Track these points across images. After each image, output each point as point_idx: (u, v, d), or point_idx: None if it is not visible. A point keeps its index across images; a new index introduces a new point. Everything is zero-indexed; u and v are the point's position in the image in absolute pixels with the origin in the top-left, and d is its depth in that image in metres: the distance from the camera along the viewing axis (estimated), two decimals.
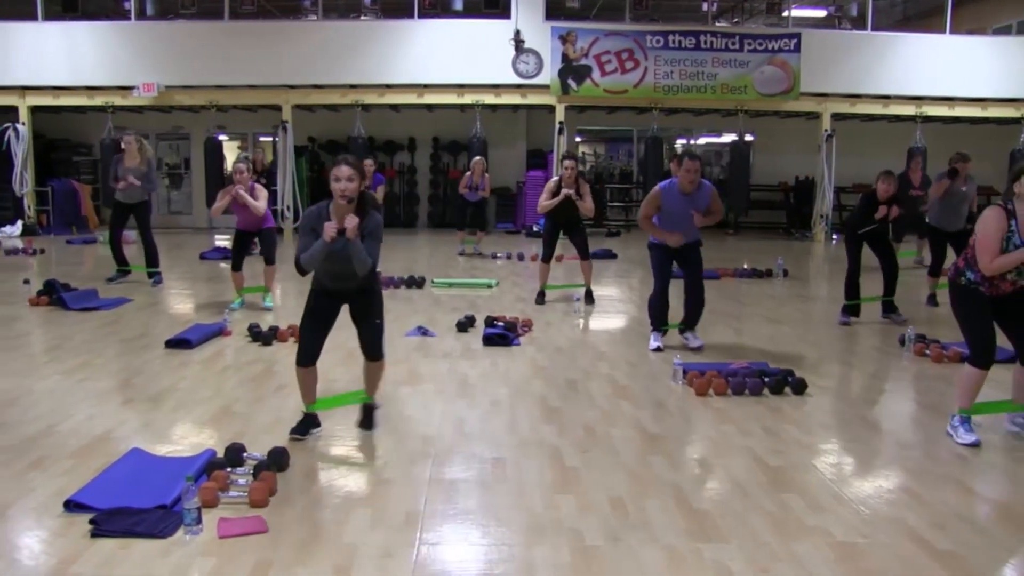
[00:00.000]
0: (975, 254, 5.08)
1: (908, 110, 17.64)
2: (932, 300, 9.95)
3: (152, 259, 10.97)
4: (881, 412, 6.02)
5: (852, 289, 8.93)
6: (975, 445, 5.09)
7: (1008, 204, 5.00)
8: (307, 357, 5.14)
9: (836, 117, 17.89)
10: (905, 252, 13.04)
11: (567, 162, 9.52)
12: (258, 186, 9.01)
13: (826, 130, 17.63)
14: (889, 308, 9.00)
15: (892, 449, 5.13)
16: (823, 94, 17.57)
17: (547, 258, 9.95)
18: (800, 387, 6.26)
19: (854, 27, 19.12)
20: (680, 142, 22.69)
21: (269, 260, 9.39)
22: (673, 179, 7.45)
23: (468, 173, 14.32)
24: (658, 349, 7.53)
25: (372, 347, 5.20)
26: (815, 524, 3.99)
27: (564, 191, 9.36)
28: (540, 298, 9.91)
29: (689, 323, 7.68)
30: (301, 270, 4.98)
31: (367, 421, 5.29)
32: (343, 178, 4.77)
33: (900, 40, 17.84)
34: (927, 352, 7.43)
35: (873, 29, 17.78)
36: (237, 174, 8.86)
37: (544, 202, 9.53)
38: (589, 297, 9.94)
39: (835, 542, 3.80)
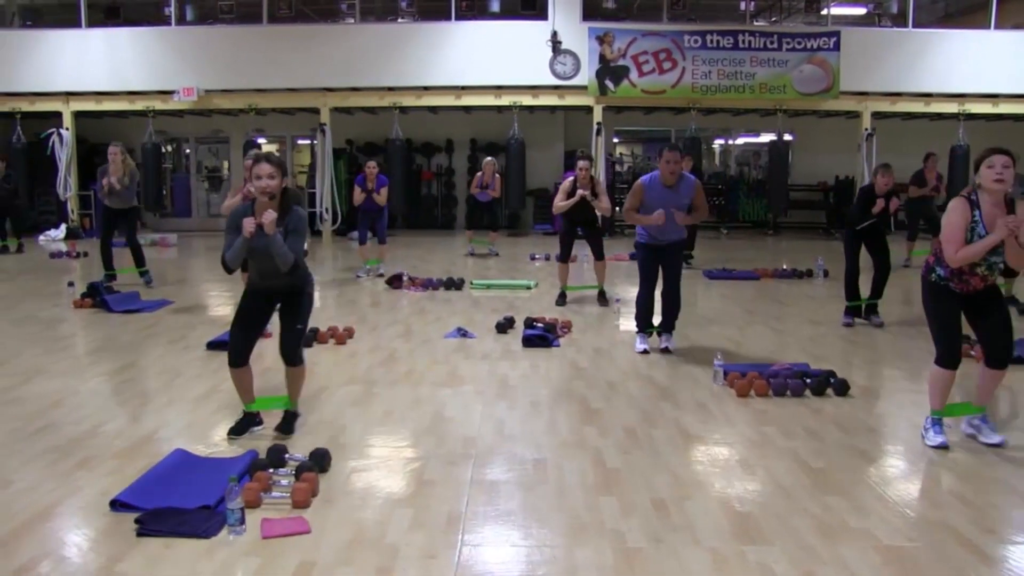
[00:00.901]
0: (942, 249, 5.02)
1: (950, 108, 17.41)
2: None
3: (140, 260, 11.08)
4: (925, 414, 5.92)
5: (852, 289, 8.81)
6: (943, 447, 5.04)
7: (972, 195, 4.95)
8: (236, 357, 5.15)
9: (876, 116, 17.69)
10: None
11: (581, 163, 9.52)
12: None
13: (866, 129, 17.44)
14: (871, 310, 8.83)
15: (938, 451, 5.04)
16: (863, 93, 17.38)
17: (564, 258, 9.98)
18: (842, 388, 6.20)
19: (894, 24, 18.88)
20: (718, 142, 22.59)
21: None
22: (655, 172, 7.36)
23: (479, 173, 14.46)
24: (644, 352, 7.50)
25: (287, 351, 5.20)
26: (860, 527, 3.94)
27: (579, 192, 9.38)
28: (561, 299, 9.92)
29: (664, 326, 7.62)
30: (227, 268, 5.02)
31: (285, 426, 5.24)
32: (264, 175, 4.86)
33: (942, 36, 17.59)
34: (972, 353, 7.29)
35: (914, 26, 17.56)
36: (247, 172, 8.91)
37: (559, 203, 9.56)
38: (602, 298, 9.93)
39: (881, 545, 3.75)
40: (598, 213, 9.72)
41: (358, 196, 11.78)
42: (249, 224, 4.80)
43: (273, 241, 4.83)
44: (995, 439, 5.09)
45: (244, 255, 4.97)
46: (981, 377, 5.18)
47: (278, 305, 5.26)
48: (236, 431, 5.20)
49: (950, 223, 4.92)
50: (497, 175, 14.47)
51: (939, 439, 5.08)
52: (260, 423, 5.32)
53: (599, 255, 9.86)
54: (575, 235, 9.86)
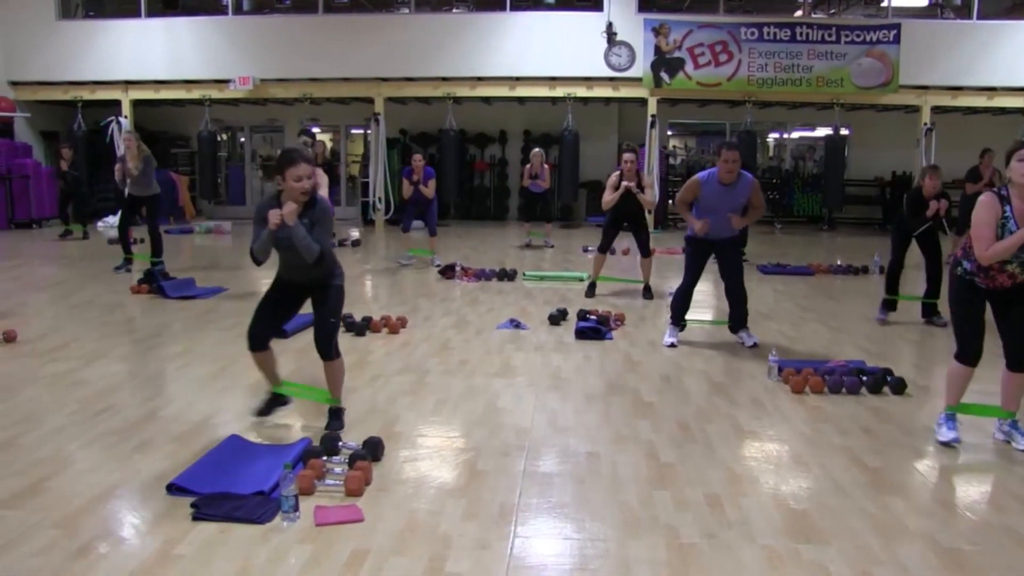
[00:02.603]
0: (972, 244, 4.89)
1: (1015, 102, 17.02)
2: None
3: (157, 249, 11.14)
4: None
5: (893, 284, 8.68)
6: (953, 444, 4.95)
7: (1002, 189, 4.82)
8: (254, 341, 5.15)
9: (936, 110, 17.37)
10: None
11: (626, 155, 9.51)
12: (319, 171, 9.17)
13: (925, 124, 17.12)
14: (930, 311, 8.63)
15: (1000, 454, 4.94)
16: (923, 86, 17.07)
17: (603, 250, 9.92)
18: (900, 387, 6.09)
19: (957, 16, 18.49)
20: (773, 136, 22.32)
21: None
22: (713, 169, 7.28)
23: (528, 165, 14.50)
24: (672, 345, 7.45)
25: (321, 344, 5.13)
26: (918, 528, 3.87)
27: (624, 184, 9.32)
28: (590, 290, 9.89)
29: (738, 323, 7.57)
30: (255, 259, 5.01)
31: (333, 423, 5.17)
32: (304, 176, 4.84)
33: (1008, 28, 17.18)
34: None
35: (979, 18, 17.18)
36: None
37: (607, 197, 9.49)
38: (648, 293, 9.84)
39: (941, 548, 3.67)
40: (646, 208, 9.67)
41: (406, 189, 11.95)
42: (274, 216, 4.79)
43: (295, 232, 4.83)
44: None
45: (271, 247, 4.97)
46: (1003, 380, 5.06)
47: (306, 299, 5.26)
48: (263, 412, 5.25)
49: (979, 220, 4.79)
50: (546, 165, 14.46)
51: (951, 435, 4.99)
52: (286, 403, 5.38)
53: (645, 252, 9.79)
54: (619, 228, 9.81)
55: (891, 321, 8.64)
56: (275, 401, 5.33)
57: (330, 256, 5.07)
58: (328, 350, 5.13)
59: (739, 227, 7.26)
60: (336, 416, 5.23)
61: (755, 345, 7.38)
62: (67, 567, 3.42)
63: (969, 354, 4.98)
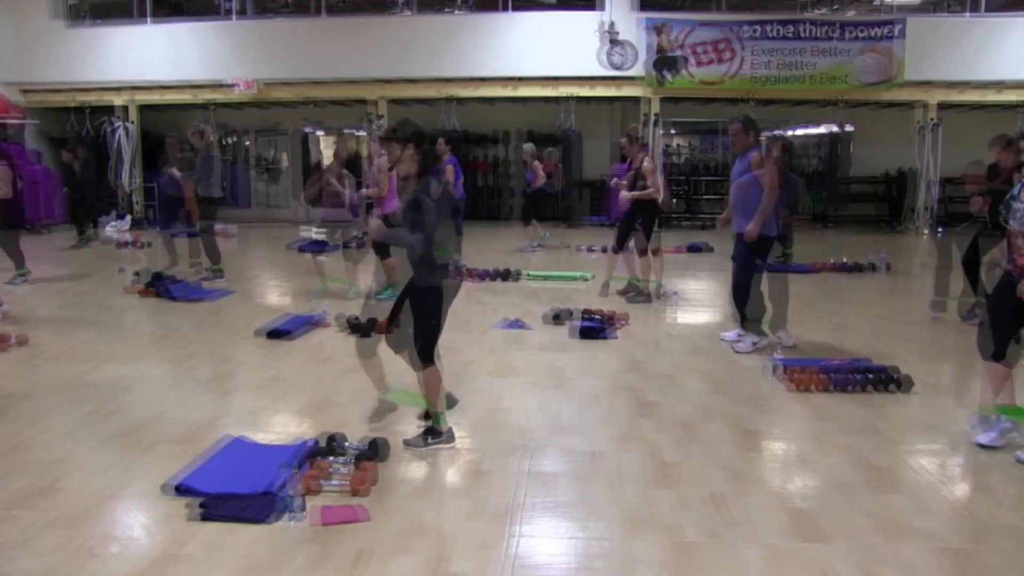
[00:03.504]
0: (1010, 242, 4.87)
1: (1020, 96, 16.95)
2: None
3: (212, 256, 11.10)
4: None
5: (942, 285, 8.59)
6: (993, 445, 4.91)
7: None
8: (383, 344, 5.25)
9: (940, 106, 17.31)
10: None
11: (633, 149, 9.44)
12: (345, 171, 9.17)
13: (919, 122, 17.05)
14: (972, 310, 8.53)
15: (1007, 453, 4.90)
16: (926, 82, 17.03)
17: (617, 250, 9.78)
18: (906, 384, 6.08)
19: (961, 11, 18.38)
20: (776, 132, 22.22)
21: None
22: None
23: (544, 164, 14.39)
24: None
25: (413, 351, 5.00)
26: (924, 527, 3.88)
27: (614, 181, 9.20)
28: (604, 289, 9.84)
29: (776, 324, 7.56)
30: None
31: (431, 431, 4.94)
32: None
33: (1012, 23, 17.13)
34: None
35: (976, 12, 17.11)
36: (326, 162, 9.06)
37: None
38: (650, 293, 9.74)
39: (946, 547, 3.68)
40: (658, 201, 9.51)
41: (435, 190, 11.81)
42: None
43: (395, 233, 4.94)
44: None
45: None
46: None
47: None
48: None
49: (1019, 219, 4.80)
50: (559, 164, 14.46)
51: (989, 436, 4.97)
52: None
53: (652, 250, 9.69)
54: (631, 227, 9.66)
55: (942, 319, 8.53)
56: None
57: (428, 257, 4.86)
58: (417, 358, 4.97)
59: (762, 207, 7.08)
60: (429, 431, 4.95)
61: (794, 346, 7.33)
62: (79, 566, 3.45)
63: (1003, 353, 4.96)
